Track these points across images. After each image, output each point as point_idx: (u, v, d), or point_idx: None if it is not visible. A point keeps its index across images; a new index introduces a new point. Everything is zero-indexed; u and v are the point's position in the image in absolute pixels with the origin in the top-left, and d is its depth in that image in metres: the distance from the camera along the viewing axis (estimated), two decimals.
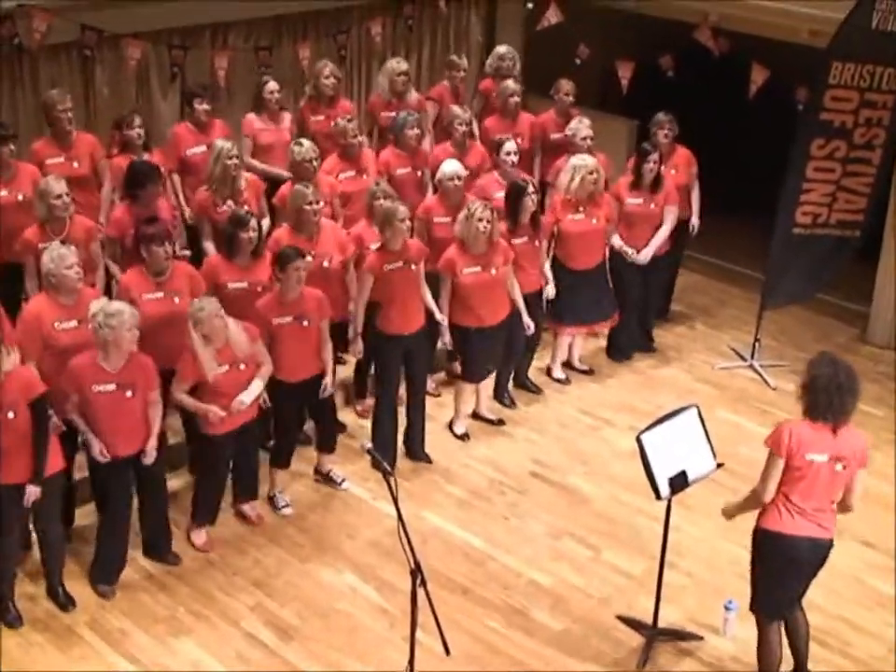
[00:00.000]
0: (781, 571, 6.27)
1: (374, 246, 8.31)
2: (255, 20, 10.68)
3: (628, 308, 9.92)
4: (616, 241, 9.60)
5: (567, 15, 11.41)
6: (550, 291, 9.21)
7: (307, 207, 8.14)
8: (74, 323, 7.08)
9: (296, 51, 10.84)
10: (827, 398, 6.00)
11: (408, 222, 8.17)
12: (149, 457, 7.03)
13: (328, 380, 7.91)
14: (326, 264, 8.28)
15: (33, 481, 6.58)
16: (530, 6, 12.25)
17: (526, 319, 8.78)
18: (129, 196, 8.30)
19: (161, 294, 7.55)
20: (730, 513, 6.51)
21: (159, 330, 7.32)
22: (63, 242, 7.62)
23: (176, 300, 7.56)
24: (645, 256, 9.72)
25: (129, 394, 6.87)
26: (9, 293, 8.15)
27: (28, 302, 7.53)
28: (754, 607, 6.43)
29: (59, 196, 7.81)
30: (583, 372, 9.99)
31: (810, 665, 6.69)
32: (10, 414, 6.43)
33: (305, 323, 7.66)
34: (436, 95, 10.84)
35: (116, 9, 9.55)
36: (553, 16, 11.46)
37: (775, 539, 6.19)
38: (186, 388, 7.22)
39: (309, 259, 7.79)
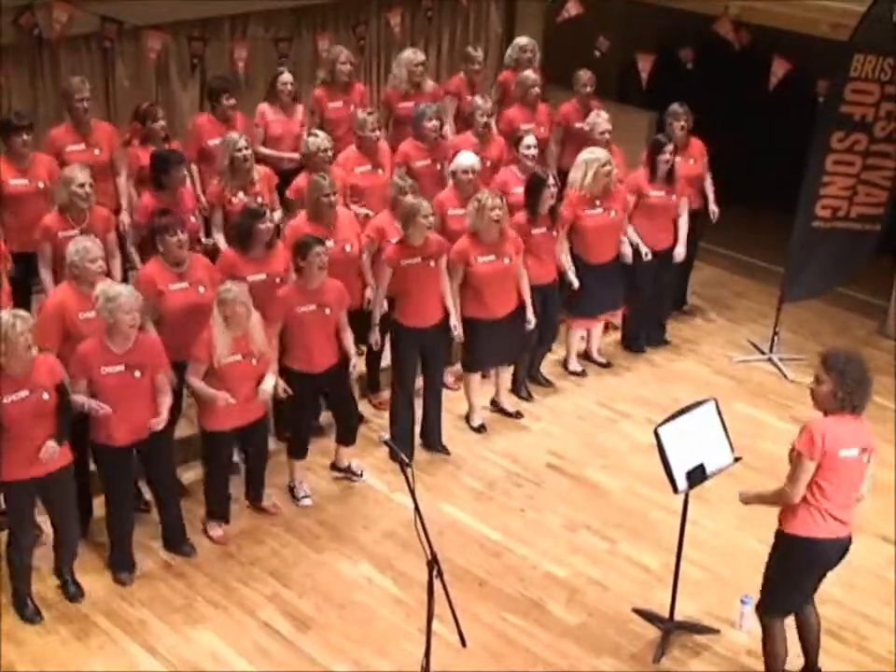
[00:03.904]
0: (806, 574, 6.25)
1: (395, 240, 8.32)
2: (274, 11, 10.70)
3: (641, 300, 9.92)
4: (633, 237, 9.58)
5: (587, 7, 11.39)
6: (574, 281, 9.20)
7: (324, 199, 8.17)
8: (95, 313, 7.12)
9: (315, 42, 10.86)
10: (862, 389, 5.97)
11: (431, 219, 8.18)
12: (155, 426, 6.98)
13: (354, 360, 7.98)
14: (348, 248, 8.36)
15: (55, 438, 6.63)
16: None
17: (530, 314, 8.74)
18: (154, 184, 8.36)
19: (185, 284, 7.57)
20: (748, 501, 6.44)
21: (185, 321, 7.37)
22: (83, 231, 7.72)
23: (201, 289, 7.59)
24: (680, 254, 9.81)
25: (137, 374, 6.90)
26: (22, 282, 8.22)
27: (50, 293, 7.54)
28: (765, 605, 6.36)
29: (81, 185, 7.87)
30: (601, 365, 9.98)
31: (827, 660, 6.68)
32: (45, 395, 6.54)
33: (327, 311, 7.70)
34: (453, 88, 10.84)
35: (136, 1, 9.59)
36: (572, 7, 11.47)
37: (805, 545, 6.11)
38: (201, 371, 7.21)
39: (330, 244, 7.85)
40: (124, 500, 7.23)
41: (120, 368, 6.84)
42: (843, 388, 5.94)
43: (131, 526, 7.32)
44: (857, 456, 6.04)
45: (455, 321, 8.42)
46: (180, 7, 9.81)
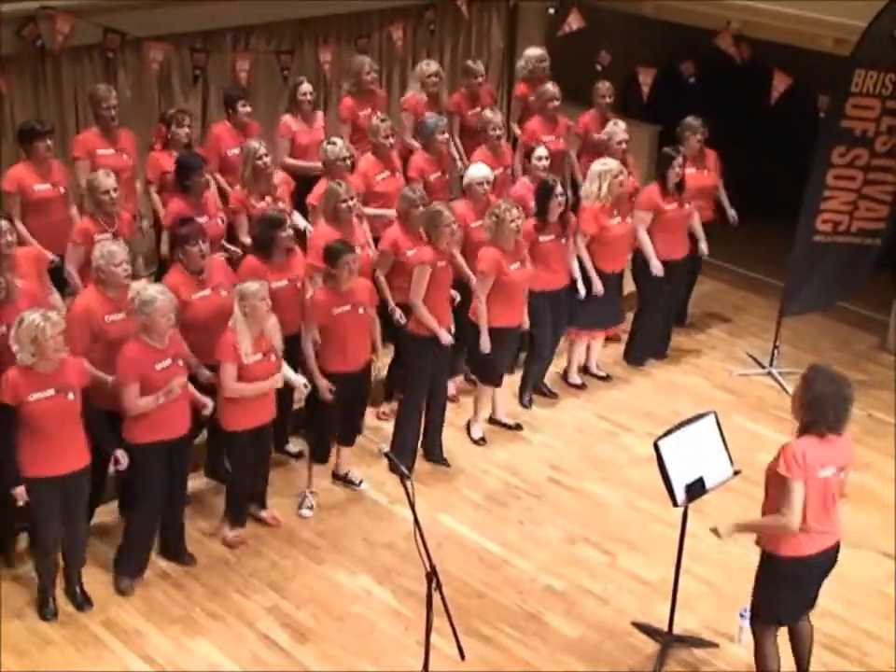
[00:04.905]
0: (797, 589, 6.23)
1: (411, 252, 8.37)
2: (276, 23, 10.71)
3: (652, 311, 9.95)
4: (648, 251, 9.63)
5: (589, 20, 11.41)
6: (581, 291, 9.28)
7: (342, 205, 8.26)
8: (122, 315, 7.17)
9: (317, 55, 10.89)
10: (835, 413, 5.95)
11: (454, 226, 8.24)
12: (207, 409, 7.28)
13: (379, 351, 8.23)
14: (371, 252, 8.57)
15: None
16: (552, 11, 12.26)
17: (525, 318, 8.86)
18: (181, 188, 8.48)
19: (207, 291, 7.64)
20: (742, 531, 6.35)
21: (212, 326, 7.41)
22: (114, 235, 7.93)
23: (223, 293, 7.65)
24: (704, 249, 9.97)
25: (180, 363, 7.06)
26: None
27: (76, 297, 7.58)
28: (761, 619, 6.33)
29: (107, 192, 8.02)
30: (601, 378, 9.98)
31: None
32: (71, 396, 6.62)
33: (361, 311, 7.81)
34: (453, 107, 10.88)
35: (138, 12, 9.62)
36: (574, 21, 11.49)
37: (793, 564, 6.10)
38: (234, 373, 7.21)
39: (358, 250, 7.93)
40: (156, 502, 7.19)
41: (169, 362, 6.97)
42: (801, 399, 5.96)
43: (154, 531, 7.33)
44: (834, 474, 6.04)
45: (484, 333, 8.48)
46: (182, 18, 9.83)
